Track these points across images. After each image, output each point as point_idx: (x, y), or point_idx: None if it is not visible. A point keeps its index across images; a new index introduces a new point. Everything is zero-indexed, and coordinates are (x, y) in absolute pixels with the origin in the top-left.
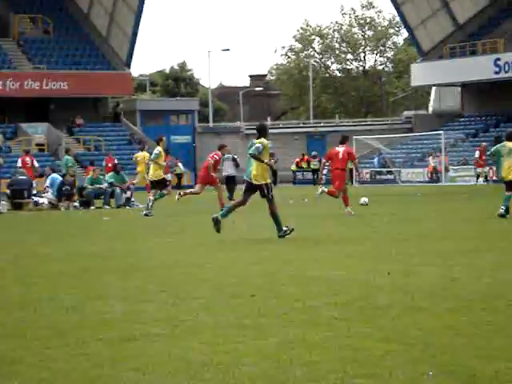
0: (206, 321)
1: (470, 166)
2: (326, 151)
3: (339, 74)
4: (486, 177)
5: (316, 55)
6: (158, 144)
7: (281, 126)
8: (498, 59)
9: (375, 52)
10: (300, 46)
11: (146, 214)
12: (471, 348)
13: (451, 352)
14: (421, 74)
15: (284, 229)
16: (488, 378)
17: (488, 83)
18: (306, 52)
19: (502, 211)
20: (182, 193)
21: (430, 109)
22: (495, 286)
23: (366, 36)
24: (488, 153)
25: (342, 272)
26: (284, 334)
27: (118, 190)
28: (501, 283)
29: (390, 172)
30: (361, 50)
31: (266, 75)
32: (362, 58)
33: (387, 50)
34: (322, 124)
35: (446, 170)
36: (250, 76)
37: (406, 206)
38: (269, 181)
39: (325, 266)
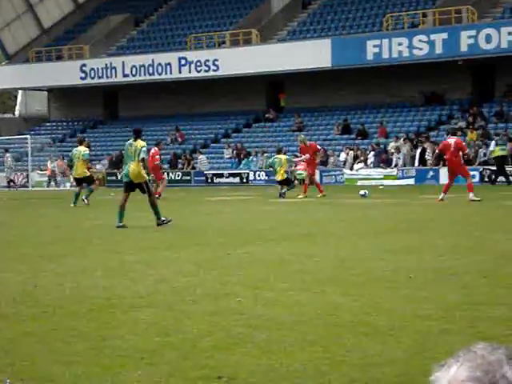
0: None
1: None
2: None
3: None
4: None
5: None
6: (82, 144)
7: None
8: (84, 65)
9: None
10: None
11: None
12: (51, 354)
13: (31, 359)
14: (7, 77)
15: (162, 218)
16: (67, 382)
17: (74, 88)
18: None
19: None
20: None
21: (17, 112)
22: (77, 291)
23: None
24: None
25: None
26: None
27: None
28: (84, 288)
29: None
30: None
31: None
32: None
33: None
34: None
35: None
36: None
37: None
38: (147, 178)
39: None
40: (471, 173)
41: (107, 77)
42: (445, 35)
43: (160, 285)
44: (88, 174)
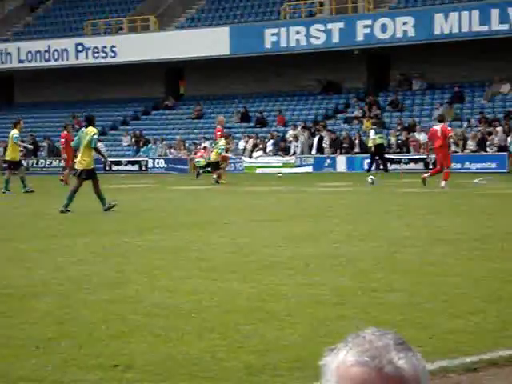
0: None
1: None
2: None
3: None
4: None
5: None
6: (16, 127)
7: None
8: None
9: None
10: None
11: None
12: None
13: None
14: None
15: (107, 205)
16: None
17: None
18: None
19: None
20: None
21: None
22: None
23: None
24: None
25: None
26: None
27: None
28: None
29: None
30: None
31: None
32: None
33: None
34: None
35: None
36: None
37: None
38: (93, 166)
39: None
40: (367, 161)
41: (2, 62)
42: (341, 24)
43: (56, 273)
44: (18, 158)
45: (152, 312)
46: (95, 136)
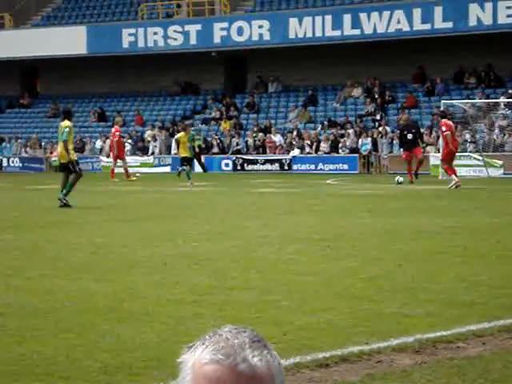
0: None
1: None
2: None
3: None
4: None
5: None
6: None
7: None
8: None
9: None
10: None
11: None
12: None
13: None
14: None
15: (66, 199)
16: None
17: None
18: None
19: None
20: None
21: None
22: None
23: None
24: None
25: None
26: None
27: None
28: None
29: None
30: None
31: None
32: None
33: None
34: None
35: None
36: None
37: None
38: (70, 158)
39: None
40: (225, 161)
41: None
42: (198, 26)
43: None
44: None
45: (6, 312)
46: (66, 129)
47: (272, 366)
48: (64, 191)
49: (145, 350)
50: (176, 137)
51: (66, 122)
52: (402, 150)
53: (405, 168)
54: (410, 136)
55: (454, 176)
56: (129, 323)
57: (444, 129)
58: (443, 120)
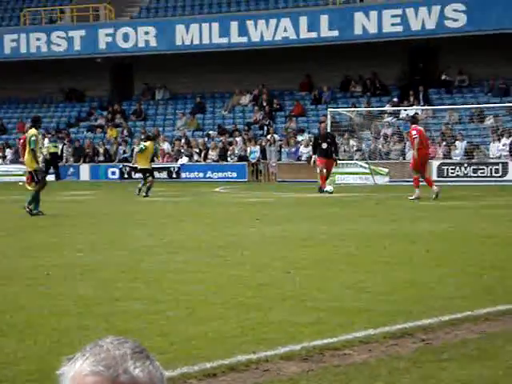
0: None
1: None
2: None
3: None
4: None
5: None
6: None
7: None
8: None
9: None
10: None
11: None
12: None
13: None
14: None
15: (35, 211)
16: None
17: None
18: None
19: None
20: None
21: None
22: None
23: None
24: None
25: None
26: None
27: None
28: None
29: None
30: None
31: None
32: None
33: None
34: None
35: None
36: None
37: None
38: (35, 167)
39: None
40: (112, 169)
41: None
42: (83, 32)
43: None
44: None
45: None
46: (33, 138)
47: (154, 377)
48: (29, 198)
49: (28, 363)
50: (141, 146)
51: (33, 130)
52: (315, 156)
53: (318, 177)
54: (324, 145)
55: (417, 190)
56: (11, 336)
57: (414, 133)
58: (413, 125)
